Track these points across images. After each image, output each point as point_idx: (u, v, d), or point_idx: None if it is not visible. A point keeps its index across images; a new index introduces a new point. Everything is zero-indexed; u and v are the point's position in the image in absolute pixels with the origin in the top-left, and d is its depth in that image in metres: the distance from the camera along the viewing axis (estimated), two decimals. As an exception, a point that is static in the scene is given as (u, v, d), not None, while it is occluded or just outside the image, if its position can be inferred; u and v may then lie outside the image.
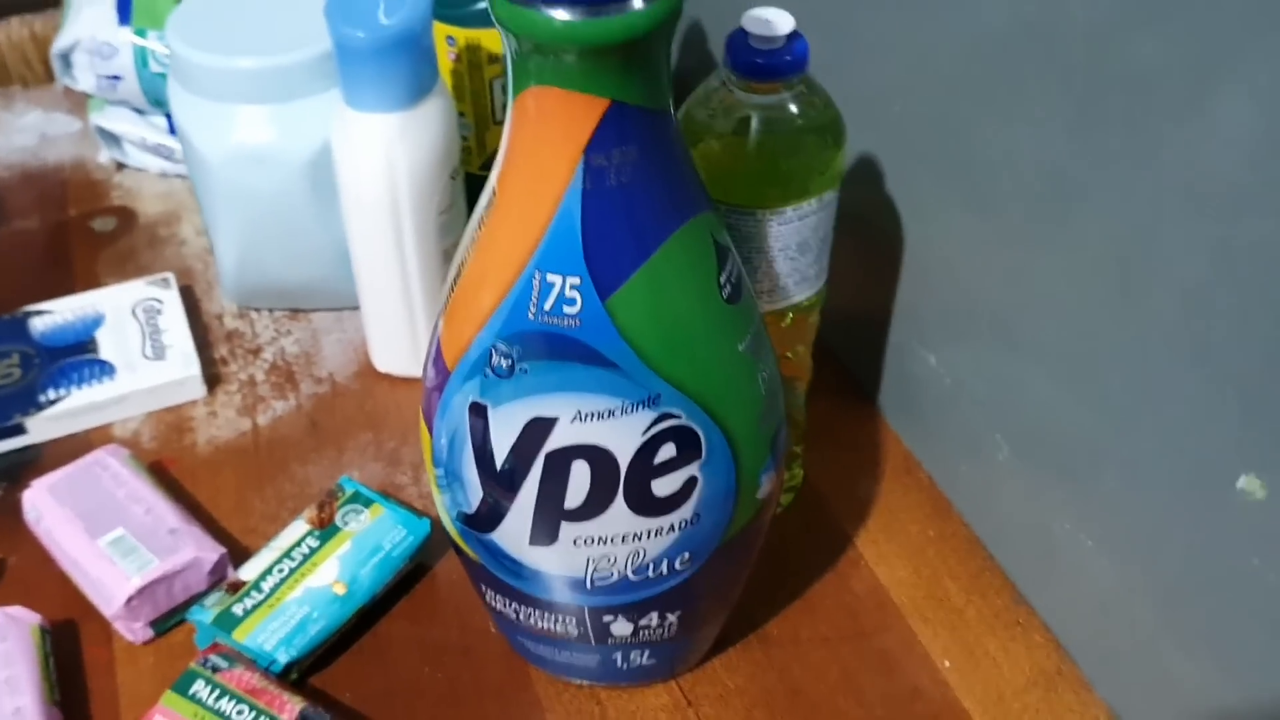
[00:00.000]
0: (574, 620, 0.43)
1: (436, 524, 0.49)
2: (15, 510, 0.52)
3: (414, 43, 0.51)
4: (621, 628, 0.43)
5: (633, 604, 0.42)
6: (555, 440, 0.37)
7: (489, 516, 0.41)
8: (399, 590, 0.50)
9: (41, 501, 0.51)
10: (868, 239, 0.54)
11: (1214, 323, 0.37)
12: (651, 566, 0.41)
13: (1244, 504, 0.38)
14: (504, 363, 0.37)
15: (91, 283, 0.65)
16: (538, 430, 0.37)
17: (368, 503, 0.50)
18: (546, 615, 0.44)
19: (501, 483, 0.39)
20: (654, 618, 0.43)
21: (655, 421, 0.37)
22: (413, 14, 0.51)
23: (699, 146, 0.44)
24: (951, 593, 0.50)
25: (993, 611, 0.50)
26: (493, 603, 0.45)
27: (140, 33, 0.68)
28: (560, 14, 0.31)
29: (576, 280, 0.34)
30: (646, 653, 0.45)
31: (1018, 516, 0.50)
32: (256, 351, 0.62)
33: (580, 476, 0.38)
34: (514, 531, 0.40)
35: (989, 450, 0.50)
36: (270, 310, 0.64)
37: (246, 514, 0.53)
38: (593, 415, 0.37)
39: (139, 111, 0.72)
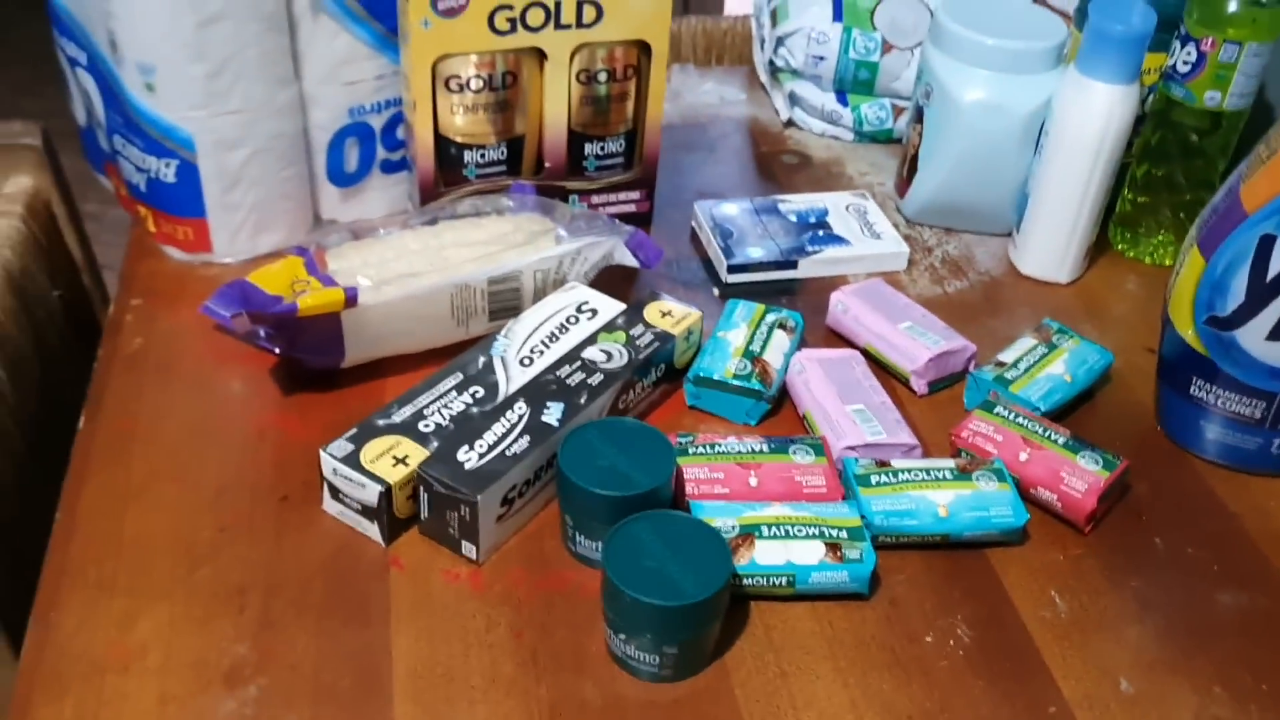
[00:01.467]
0: (1263, 405, 0.66)
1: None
2: (815, 301, 0.78)
3: (1142, 44, 0.76)
4: (1297, 414, 0.66)
5: (1315, 396, 0.65)
6: (1326, 262, 0.61)
7: (1240, 316, 0.64)
8: (1081, 400, 0.73)
9: (848, 299, 0.76)
10: None
11: None
12: (1344, 366, 0.63)
13: None
14: (1308, 206, 0.60)
15: (797, 191, 0.92)
16: (1313, 254, 0.61)
17: (1069, 334, 0.74)
18: (1242, 399, 0.66)
19: (1267, 292, 0.62)
20: (1323, 411, 0.65)
21: (1395, 258, 0.60)
22: (1139, 34, 0.76)
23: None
24: None
25: None
26: (1192, 390, 0.68)
27: (847, 30, 0.96)
28: None
29: (1387, 155, 0.58)
30: (1294, 443, 0.67)
31: None
32: (929, 250, 0.87)
33: (1332, 292, 0.61)
34: (1255, 329, 0.64)
35: None
36: (930, 227, 0.90)
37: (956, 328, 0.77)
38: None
39: (819, 86, 0.99)
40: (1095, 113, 0.78)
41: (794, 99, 1.01)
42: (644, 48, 0.81)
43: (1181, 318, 0.68)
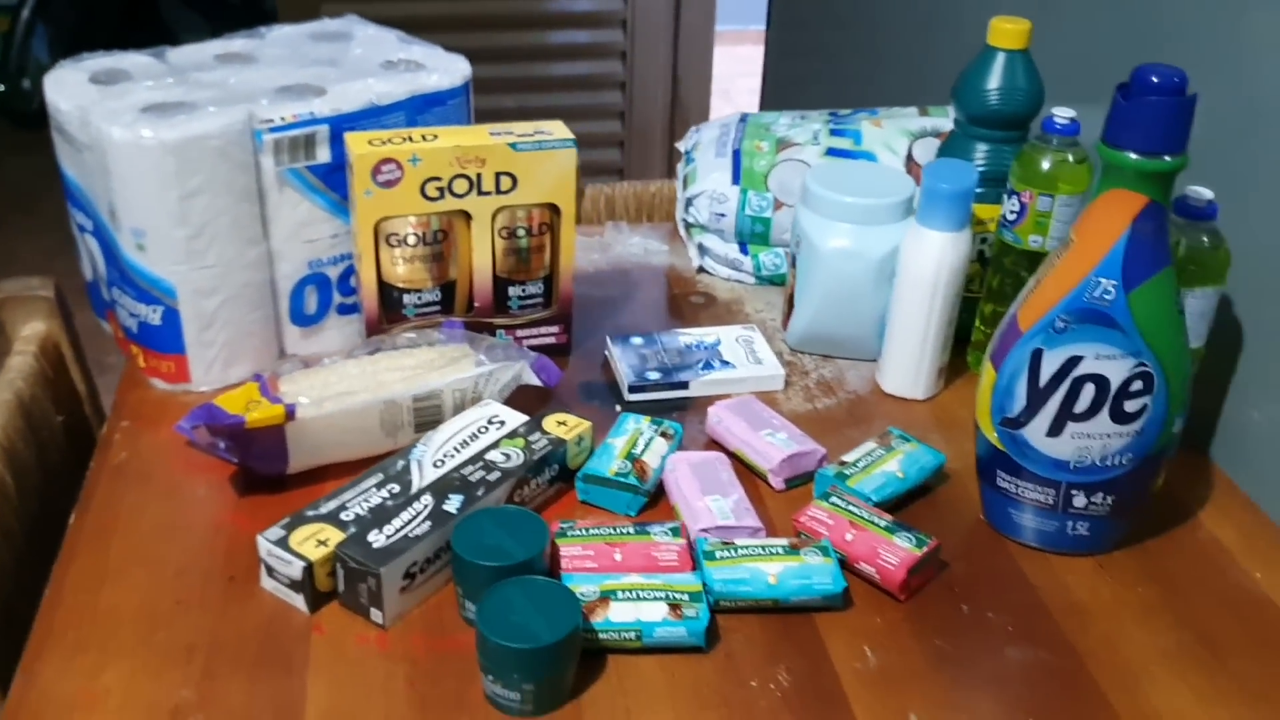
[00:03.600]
0: (1053, 492, 0.78)
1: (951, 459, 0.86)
2: (700, 415, 0.92)
3: (968, 198, 0.91)
4: (1080, 500, 0.78)
5: (1091, 483, 0.77)
6: (1080, 369, 0.74)
7: (1024, 417, 0.77)
8: (922, 491, 0.86)
9: (721, 412, 0.90)
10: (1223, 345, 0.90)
11: None
12: (1110, 458, 0.76)
13: None
14: (1061, 324, 0.74)
15: (701, 325, 1.06)
16: (1072, 364, 0.74)
17: (908, 440, 0.87)
18: (1036, 487, 0.79)
19: (1041, 395, 0.76)
20: (1099, 496, 0.78)
21: (1136, 365, 0.73)
22: (966, 189, 0.91)
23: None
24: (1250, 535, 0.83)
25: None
26: (998, 481, 0.80)
27: (744, 191, 1.12)
28: (1168, 159, 0.69)
29: (1114, 282, 0.72)
30: (1085, 525, 0.79)
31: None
32: (806, 373, 1.01)
33: (1087, 393, 0.74)
34: (1037, 428, 0.77)
35: None
36: (810, 354, 1.03)
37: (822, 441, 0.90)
38: (1104, 357, 0.73)
39: (722, 238, 1.15)
40: (931, 256, 0.92)
41: (703, 249, 1.17)
42: (555, 208, 0.97)
43: (985, 421, 0.81)
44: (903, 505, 0.85)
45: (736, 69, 3.55)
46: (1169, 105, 0.70)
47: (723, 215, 1.13)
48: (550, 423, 0.86)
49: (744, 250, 1.14)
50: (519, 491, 0.81)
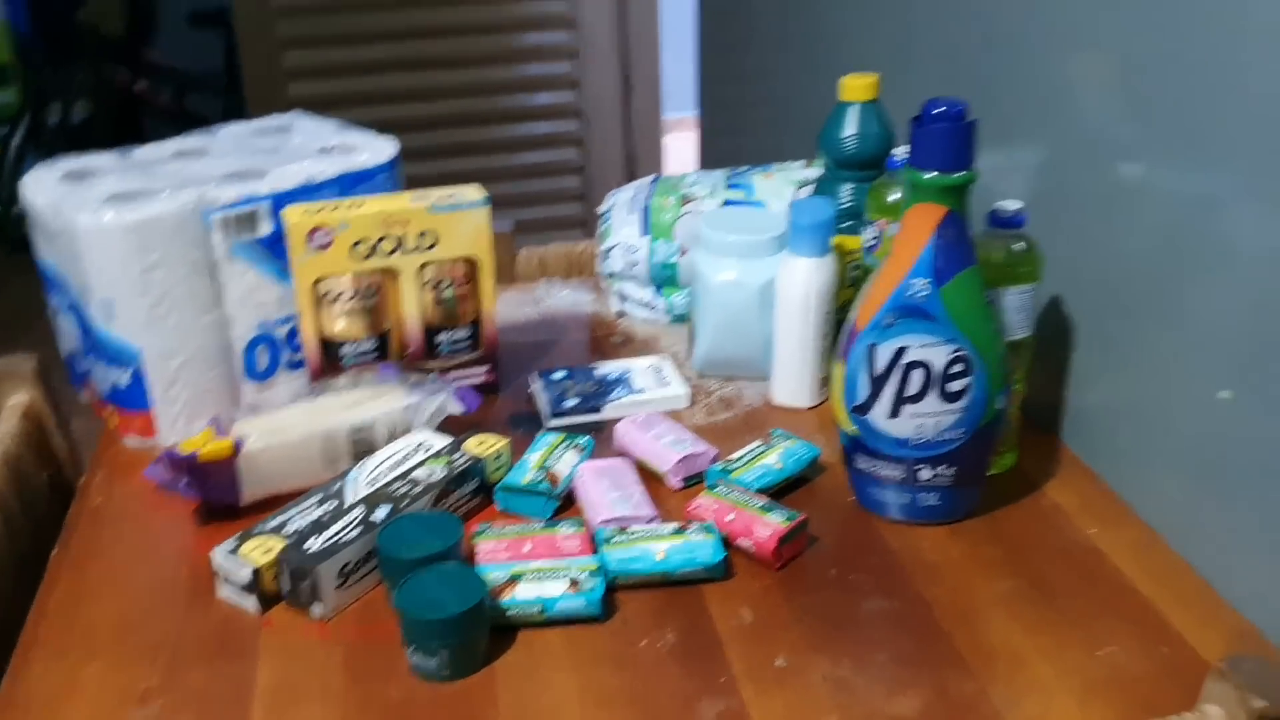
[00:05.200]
0: (903, 468, 0.90)
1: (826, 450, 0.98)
2: (608, 436, 1.04)
3: (826, 228, 1.05)
4: (925, 473, 0.90)
5: (932, 456, 0.89)
6: (907, 357, 0.86)
7: (868, 404, 0.89)
8: (797, 483, 0.98)
9: (625, 426, 1.02)
10: (1059, 344, 1.02)
11: None
12: (945, 432, 0.88)
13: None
14: (888, 321, 0.86)
15: (617, 357, 1.19)
16: (900, 353, 0.86)
17: (788, 438, 0.99)
18: (888, 464, 0.90)
19: (879, 383, 0.88)
20: (942, 467, 0.89)
21: (954, 351, 0.86)
22: (827, 222, 1.05)
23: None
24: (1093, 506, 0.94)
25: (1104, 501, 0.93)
26: (858, 464, 0.92)
27: (654, 240, 1.25)
28: (956, 175, 0.83)
29: (927, 281, 0.85)
30: (935, 495, 0.91)
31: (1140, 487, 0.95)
32: (710, 392, 1.14)
33: (917, 378, 0.87)
34: (880, 412, 0.89)
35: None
36: (713, 376, 1.16)
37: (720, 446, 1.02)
38: (925, 345, 0.86)
39: (638, 284, 1.28)
40: (800, 280, 1.06)
41: (622, 295, 1.30)
42: (474, 261, 1.10)
43: (840, 412, 0.93)
44: (784, 493, 0.97)
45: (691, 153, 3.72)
46: (953, 130, 0.83)
47: (636, 263, 1.26)
48: (471, 443, 0.98)
49: (658, 293, 1.28)
50: (442, 503, 0.93)
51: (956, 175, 0.84)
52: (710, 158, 2.40)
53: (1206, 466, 0.88)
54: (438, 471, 0.94)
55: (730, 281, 1.10)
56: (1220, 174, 0.84)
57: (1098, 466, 1.00)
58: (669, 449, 0.99)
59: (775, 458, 0.97)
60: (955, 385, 0.87)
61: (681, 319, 1.28)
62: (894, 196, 1.05)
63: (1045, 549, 0.91)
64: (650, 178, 1.36)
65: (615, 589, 0.86)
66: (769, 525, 0.88)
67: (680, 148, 3.14)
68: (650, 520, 0.92)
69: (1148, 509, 0.94)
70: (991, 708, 0.76)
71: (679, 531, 0.88)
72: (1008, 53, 1.11)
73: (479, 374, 1.14)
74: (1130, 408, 0.97)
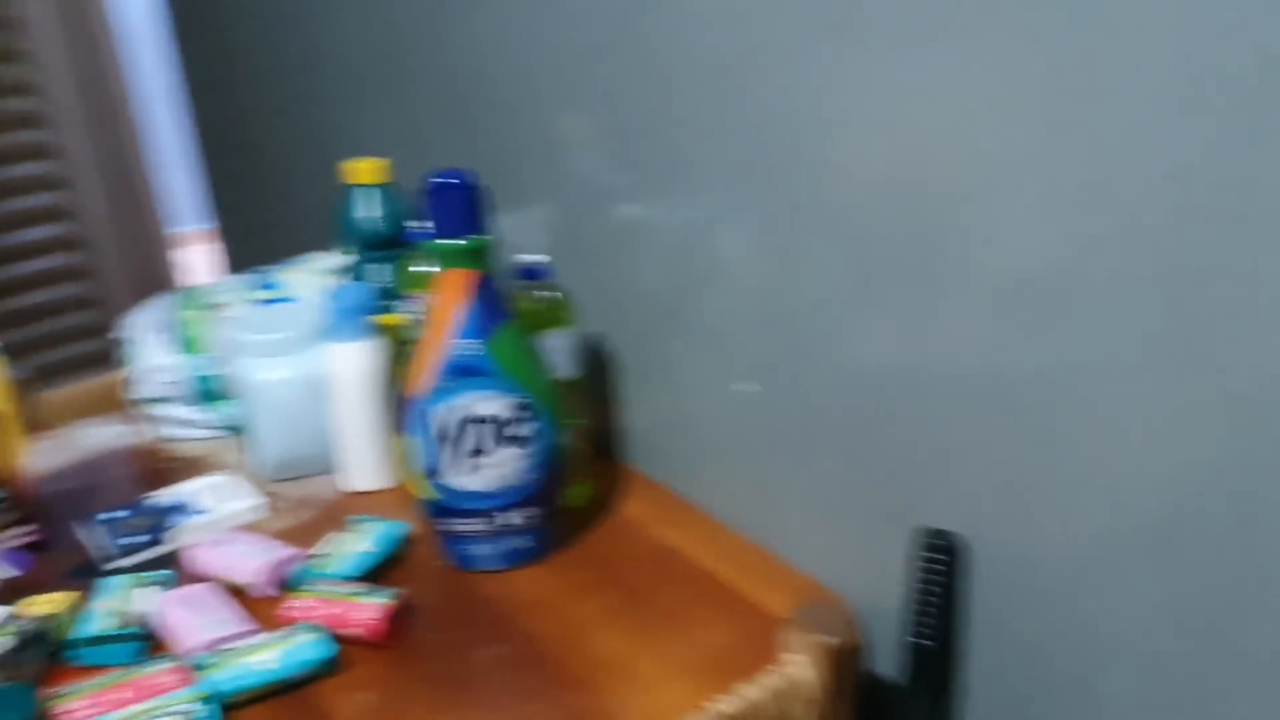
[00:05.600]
0: (486, 520, 0.94)
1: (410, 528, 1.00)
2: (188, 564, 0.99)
3: (362, 309, 1.07)
4: (509, 519, 0.94)
5: (514, 502, 0.94)
6: (468, 414, 0.91)
7: (440, 466, 0.92)
8: (393, 563, 0.99)
9: (196, 551, 0.98)
10: (600, 374, 1.11)
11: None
12: (521, 476, 0.93)
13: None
14: (442, 384, 0.90)
15: (175, 482, 1.14)
16: (460, 412, 0.90)
17: (370, 520, 1.00)
18: (473, 520, 0.94)
19: (446, 444, 0.91)
20: (525, 510, 0.94)
21: (512, 401, 0.91)
22: (365, 304, 1.07)
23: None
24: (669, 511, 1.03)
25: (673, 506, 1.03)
26: (441, 526, 0.95)
27: (189, 355, 1.21)
28: (473, 239, 0.88)
29: (472, 340, 0.90)
30: (522, 538, 0.96)
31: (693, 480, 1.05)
32: (287, 497, 1.11)
33: (484, 431, 0.91)
34: (453, 471, 0.92)
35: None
36: (287, 479, 1.14)
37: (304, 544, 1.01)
38: (484, 400, 0.90)
39: (180, 404, 1.23)
40: (349, 365, 1.07)
41: (164, 419, 1.24)
42: (-6, 416, 1.02)
43: (415, 483, 0.95)
44: (380, 576, 0.98)
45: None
46: (460, 197, 0.89)
47: (173, 383, 1.22)
48: (34, 605, 0.90)
49: (206, 407, 1.24)
50: (16, 675, 0.85)
51: (473, 239, 0.89)
52: (237, 264, 2.35)
53: (746, 453, 1.00)
54: (2, 644, 0.86)
55: (279, 380, 1.10)
56: (698, 203, 0.96)
57: (664, 478, 1.10)
58: (248, 560, 0.96)
59: (367, 543, 0.98)
60: (521, 430, 0.92)
61: (237, 429, 1.25)
62: (420, 268, 1.10)
63: (631, 561, 0.98)
64: (171, 294, 1.32)
65: (230, 708, 0.83)
66: (370, 608, 0.89)
67: (198, 261, 3.03)
68: (253, 633, 0.89)
69: (712, 503, 1.05)
70: (610, 715, 0.81)
71: (283, 638, 0.86)
72: (509, 120, 1.20)
73: (27, 534, 1.05)
74: (676, 419, 1.07)
